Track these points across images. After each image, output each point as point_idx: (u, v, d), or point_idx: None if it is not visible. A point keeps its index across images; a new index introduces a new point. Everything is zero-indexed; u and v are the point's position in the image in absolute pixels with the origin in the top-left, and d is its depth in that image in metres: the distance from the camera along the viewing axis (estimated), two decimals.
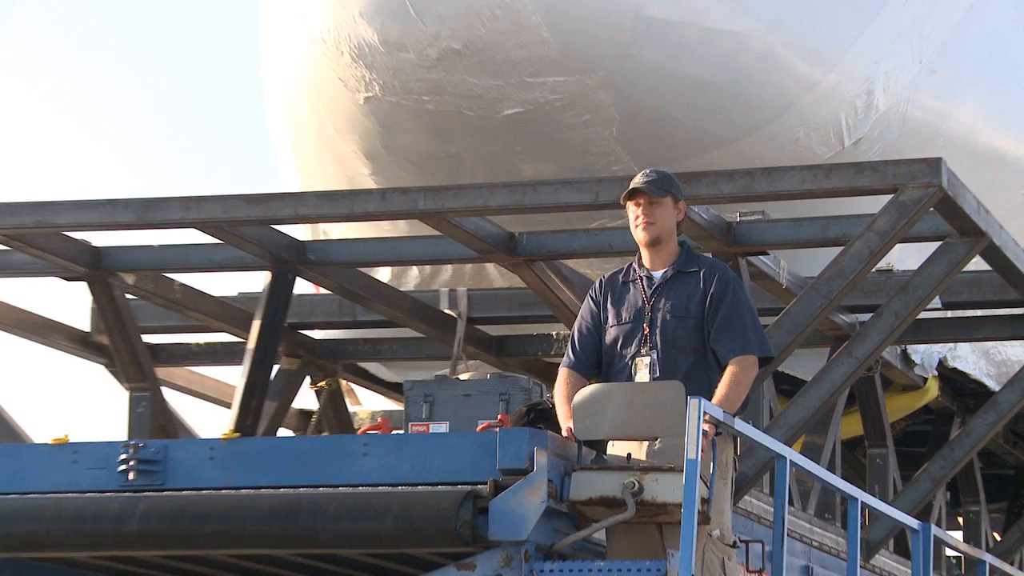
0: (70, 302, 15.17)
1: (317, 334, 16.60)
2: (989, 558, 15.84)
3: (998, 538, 19.95)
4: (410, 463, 9.85)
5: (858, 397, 15.82)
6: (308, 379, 16.59)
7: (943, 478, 15.42)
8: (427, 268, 15.75)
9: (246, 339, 14.80)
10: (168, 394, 16.83)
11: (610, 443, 9.92)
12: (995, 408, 15.11)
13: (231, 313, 15.48)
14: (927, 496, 15.37)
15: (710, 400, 9.54)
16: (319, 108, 14.81)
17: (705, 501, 9.45)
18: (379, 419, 14.51)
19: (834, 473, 14.06)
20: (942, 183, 11.74)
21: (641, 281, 10.17)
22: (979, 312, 15.46)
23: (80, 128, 51.31)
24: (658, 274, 10.14)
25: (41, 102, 49.96)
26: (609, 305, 10.20)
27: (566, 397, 9.94)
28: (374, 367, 17.08)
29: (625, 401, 9.65)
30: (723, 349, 10.00)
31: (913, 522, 13.39)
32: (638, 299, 10.13)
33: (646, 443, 9.87)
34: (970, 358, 16.84)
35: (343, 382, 17.13)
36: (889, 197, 11.98)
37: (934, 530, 13.46)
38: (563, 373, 10.20)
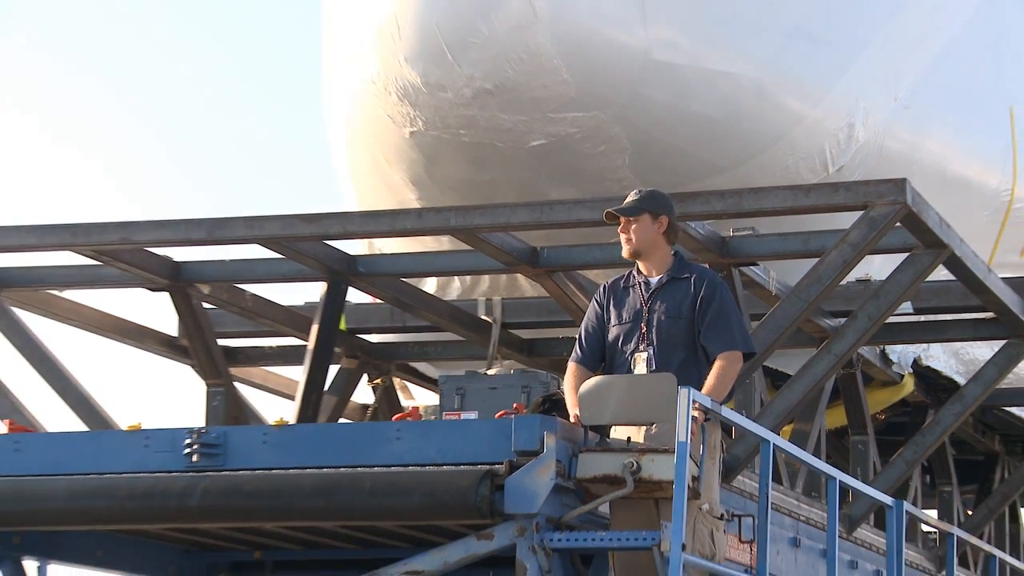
0: (159, 310, 14.91)
1: (373, 338, 16.45)
2: (958, 532, 15.74)
3: (970, 514, 19.59)
4: (437, 446, 9.75)
5: (842, 391, 15.64)
6: (365, 377, 16.44)
7: (916, 461, 15.32)
8: (467, 280, 15.62)
9: None
10: (245, 390, 16.77)
11: (612, 428, 9.79)
12: (961, 400, 15.06)
13: (297, 319, 15.32)
14: (902, 477, 15.20)
15: (699, 390, 9.45)
16: (371, 142, 14.66)
17: (695, 479, 9.39)
18: (410, 408, 14.32)
19: (819, 457, 13.96)
20: (907, 200, 11.63)
21: (639, 286, 10.10)
22: (947, 316, 15.28)
23: (167, 152, 51.26)
24: (654, 280, 10.08)
25: (129, 122, 49.96)
26: (611, 307, 10.13)
27: (573, 388, 9.84)
28: (422, 366, 16.93)
29: (625, 391, 9.59)
30: (711, 346, 9.93)
31: (887, 499, 13.32)
32: (637, 302, 10.06)
33: (644, 428, 9.75)
34: (941, 357, 16.64)
35: (396, 379, 16.96)
36: (861, 213, 11.84)
37: (907, 506, 13.36)
38: (571, 367, 10.13)
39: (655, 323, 9.97)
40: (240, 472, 10.00)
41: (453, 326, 15.40)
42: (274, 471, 9.95)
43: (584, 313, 10.51)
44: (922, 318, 15.23)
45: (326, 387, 15.67)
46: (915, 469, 16.71)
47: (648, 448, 9.45)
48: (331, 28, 15.03)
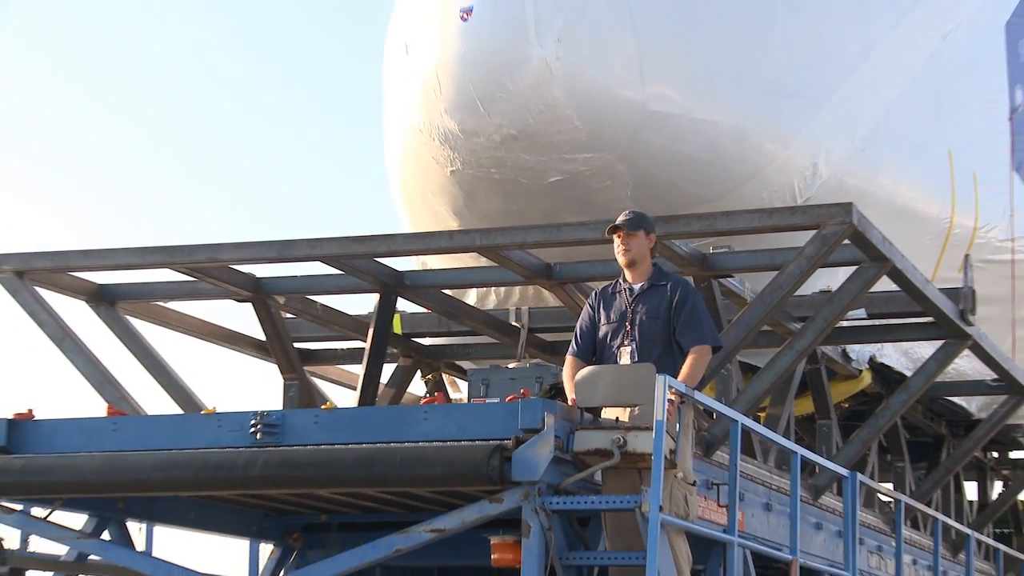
0: (246, 318, 14.66)
1: (425, 341, 16.17)
2: (906, 499, 15.51)
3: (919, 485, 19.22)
4: (457, 425, 9.56)
5: (810, 384, 15.31)
6: (419, 373, 16.12)
7: (870, 440, 15.08)
8: (501, 292, 15.40)
9: None
10: (324, 385, 16.51)
11: (603, 410, 9.62)
12: (907, 390, 14.84)
13: (360, 325, 15.03)
14: (859, 453, 14.93)
15: (675, 378, 9.33)
16: (419, 178, 14.48)
17: (672, 452, 9.17)
18: (436, 394, 14.05)
19: (788, 437, 13.60)
20: (853, 221, 11.38)
21: (624, 292, 9.96)
22: (896, 321, 14.90)
23: (255, 180, 51.37)
24: (637, 287, 9.94)
25: (229, 155, 50.15)
26: (601, 309, 10.02)
27: (570, 377, 9.72)
28: (466, 364, 16.56)
29: (613, 379, 9.47)
30: (685, 341, 9.77)
31: (844, 471, 13.16)
32: (622, 305, 9.93)
33: (629, 409, 9.50)
34: (893, 355, 16.31)
35: (445, 375, 16.60)
36: (814, 232, 11.56)
37: (860, 477, 13.20)
38: (568, 360, 10.03)
39: (637, 323, 9.84)
40: (294, 447, 9.80)
41: (489, 331, 15.15)
42: (323, 446, 9.75)
43: None
44: (875, 322, 14.89)
45: (385, 381, 15.55)
46: (872, 448, 16.50)
47: (632, 426, 9.27)
48: (388, 83, 14.76)
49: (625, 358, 9.79)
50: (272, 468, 9.66)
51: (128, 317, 14.09)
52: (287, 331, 14.51)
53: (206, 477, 9.81)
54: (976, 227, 17.18)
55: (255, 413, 9.94)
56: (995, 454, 22.32)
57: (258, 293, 13.81)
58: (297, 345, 15.07)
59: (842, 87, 15.23)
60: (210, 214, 49.21)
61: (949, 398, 18.42)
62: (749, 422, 10.61)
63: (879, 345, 15.98)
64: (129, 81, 48.64)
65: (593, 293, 10.20)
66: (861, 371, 16.03)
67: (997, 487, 22.51)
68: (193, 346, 15.14)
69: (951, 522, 17.74)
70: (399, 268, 13.94)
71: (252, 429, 9.88)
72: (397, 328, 15.25)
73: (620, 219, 9.96)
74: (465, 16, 13.37)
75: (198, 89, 50.71)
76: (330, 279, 13.81)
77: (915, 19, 16.44)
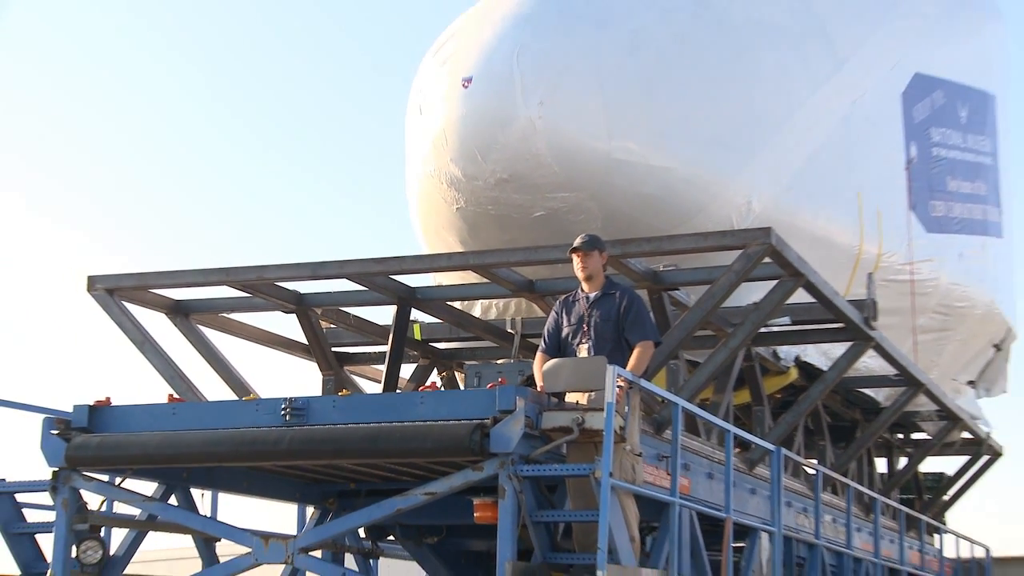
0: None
1: (441, 345, 15.60)
2: (823, 469, 15.10)
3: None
4: (447, 407, 9.24)
5: (747, 378, 14.76)
6: (435, 370, 15.57)
7: (794, 422, 14.54)
8: (500, 304, 14.82)
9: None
10: (361, 382, 15.99)
11: (566, 395, 9.33)
12: (823, 382, 14.38)
13: (388, 333, 14.42)
14: (785, 433, 14.37)
15: (624, 368, 9.03)
16: (432, 214, 14.02)
17: (622, 428, 8.86)
18: (431, 383, 13.59)
19: (728, 421, 13.08)
20: (771, 242, 10.95)
21: (582, 300, 9.70)
22: (815, 327, 14.44)
23: (299, 207, 51.18)
24: (592, 295, 9.68)
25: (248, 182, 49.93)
26: (564, 314, 9.74)
27: (539, 368, 9.45)
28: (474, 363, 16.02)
29: (573, 369, 9.25)
30: (632, 338, 9.46)
31: (770, 446, 12.79)
32: (581, 310, 9.66)
33: (587, 394, 9.21)
34: (814, 355, 15.78)
35: (457, 372, 16.04)
36: (741, 251, 11.12)
37: (784, 451, 12.81)
38: (538, 355, 9.76)
39: (593, 324, 9.55)
40: (316, 427, 9.45)
41: (490, 337, 14.67)
42: (338, 426, 9.40)
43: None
44: (799, 328, 14.45)
45: (407, 378, 15.06)
46: (799, 429, 15.97)
47: (589, 408, 8.98)
48: (408, 138, 14.30)
49: (583, 353, 9.49)
50: (296, 443, 9.35)
51: (199, 326, 13.65)
52: (325, 337, 14.04)
53: (244, 451, 9.53)
54: (880, 253, 16.67)
55: (285, 399, 9.59)
56: (900, 435, 21.81)
57: (300, 306, 13.36)
58: (336, 350, 14.56)
59: (770, 141, 14.76)
60: (267, 238, 49.09)
61: (861, 389, 17.92)
62: (688, 405, 10.18)
63: (803, 347, 15.45)
64: (199, 125, 48.61)
65: (558, 301, 9.93)
66: (789, 368, 15.50)
67: (902, 462, 21.90)
68: (250, 349, 14.66)
69: (862, 488, 17.34)
70: (413, 284, 13.46)
71: (283, 412, 9.55)
72: (417, 335, 14.82)
73: (577, 242, 9.74)
74: (466, 84, 12.99)
75: (256, 135, 50.70)
76: (357, 294, 13.34)
77: (830, 88, 15.98)
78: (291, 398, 9.53)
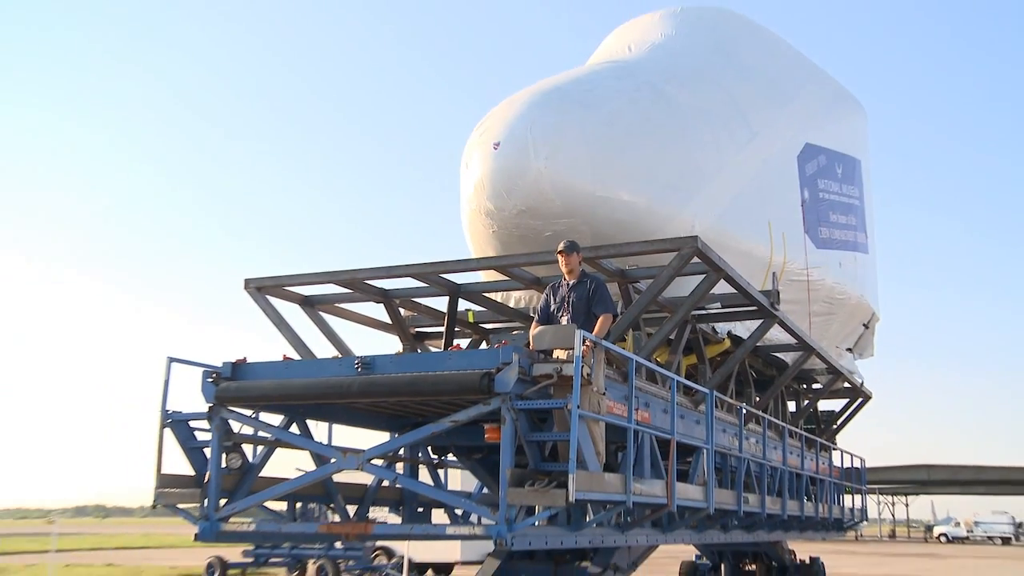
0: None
1: (488, 325, 14.55)
2: (746, 407, 14.05)
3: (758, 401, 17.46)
4: (467, 361, 8.46)
5: (693, 347, 13.72)
6: (484, 343, 14.50)
7: (726, 373, 13.42)
8: (525, 296, 13.78)
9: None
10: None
11: (554, 352, 8.52)
12: (743, 347, 13.28)
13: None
14: (719, 381, 13.26)
15: (591, 333, 8.40)
16: (477, 236, 13.18)
17: (589, 374, 8.10)
18: (455, 344, 12.67)
19: (680, 375, 12.00)
20: (697, 246, 10.01)
21: (565, 285, 9.10)
22: (738, 309, 13.40)
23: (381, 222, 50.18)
24: (571, 283, 9.08)
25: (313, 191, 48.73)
26: (552, 295, 9.09)
27: (532, 332, 8.68)
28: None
29: (553, 333, 8.56)
30: (597, 311, 8.82)
31: (705, 389, 11.73)
32: (563, 293, 9.05)
33: (566, 351, 8.39)
34: (740, 329, 14.67)
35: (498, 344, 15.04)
36: (676, 253, 10.16)
37: (716, 393, 11.80)
38: (533, 324, 9.09)
39: (571, 302, 8.93)
40: (377, 375, 8.69)
41: (519, 319, 13.65)
42: (394, 375, 8.62)
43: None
44: (728, 311, 13.44)
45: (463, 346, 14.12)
46: (730, 379, 14.84)
47: (566, 360, 8.21)
48: (461, 183, 13.38)
49: (564, 322, 8.82)
50: (362, 386, 8.62)
51: (322, 314, 12.90)
52: (405, 321, 13.21)
53: (328, 391, 8.81)
54: (785, 262, 15.64)
55: (357, 357, 8.86)
56: (804, 385, 20.61)
57: (387, 299, 12.54)
58: (416, 330, 13.70)
59: (707, 186, 13.77)
60: (375, 245, 47.86)
61: (774, 354, 16.79)
62: (641, 360, 9.32)
63: (732, 324, 14.42)
64: (328, 160, 47.75)
65: (548, 286, 9.27)
66: (723, 338, 14.48)
67: (805, 404, 20.70)
68: (358, 329, 13.86)
69: (776, 420, 16.20)
70: (459, 282, 12.58)
71: (356, 366, 8.80)
72: (470, 319, 13.93)
73: (560, 246, 9.19)
74: (496, 147, 12.20)
75: (345, 162, 49.69)
76: (420, 289, 12.52)
77: (748, 151, 15.03)
78: (362, 356, 8.84)
